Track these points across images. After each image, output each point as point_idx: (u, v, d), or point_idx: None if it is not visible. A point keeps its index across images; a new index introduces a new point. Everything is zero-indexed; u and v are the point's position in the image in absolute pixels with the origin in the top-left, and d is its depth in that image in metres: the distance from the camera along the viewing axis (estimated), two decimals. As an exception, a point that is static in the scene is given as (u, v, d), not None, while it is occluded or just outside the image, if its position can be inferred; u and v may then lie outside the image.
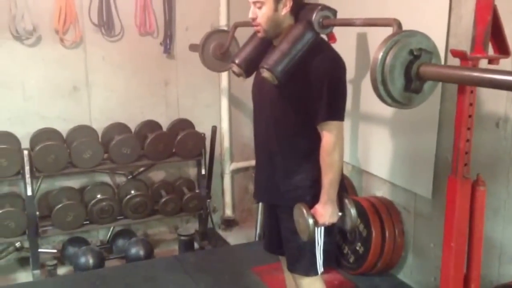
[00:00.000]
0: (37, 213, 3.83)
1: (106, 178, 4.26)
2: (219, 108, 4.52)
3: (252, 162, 4.63)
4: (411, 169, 3.24)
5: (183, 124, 4.25)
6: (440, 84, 2.88)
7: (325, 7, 2.23)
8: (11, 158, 3.65)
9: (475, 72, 1.55)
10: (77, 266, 3.79)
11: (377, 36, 3.31)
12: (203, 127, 4.31)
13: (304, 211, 2.17)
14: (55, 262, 3.84)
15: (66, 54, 3.96)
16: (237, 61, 2.41)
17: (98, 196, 4.00)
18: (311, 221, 2.14)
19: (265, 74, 2.15)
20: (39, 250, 3.87)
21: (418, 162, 3.15)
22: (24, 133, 3.86)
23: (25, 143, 3.84)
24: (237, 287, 3.37)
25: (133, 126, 4.14)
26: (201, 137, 4.22)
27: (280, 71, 2.12)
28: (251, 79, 2.48)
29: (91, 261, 3.77)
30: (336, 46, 3.23)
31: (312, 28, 2.18)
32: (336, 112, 2.17)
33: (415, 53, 1.69)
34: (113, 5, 3.98)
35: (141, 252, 3.92)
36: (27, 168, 3.68)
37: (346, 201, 2.28)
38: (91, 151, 3.81)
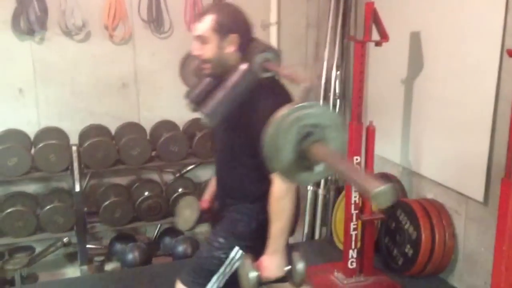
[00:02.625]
0: (85, 209, 3.86)
1: (154, 176, 4.28)
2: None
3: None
4: (463, 171, 3.16)
5: (232, 123, 4.23)
6: (495, 82, 2.80)
7: (267, 48, 2.04)
8: (60, 153, 3.68)
9: (353, 173, 1.34)
10: (124, 263, 3.82)
11: (432, 35, 3.28)
12: (253, 126, 4.28)
13: (247, 261, 1.95)
14: (102, 258, 3.87)
15: (115, 50, 3.98)
16: (189, 99, 2.24)
17: (146, 193, 4.01)
18: (253, 274, 1.91)
19: (203, 118, 2.02)
20: (87, 245, 3.91)
21: (470, 165, 3.08)
22: (73, 129, 3.90)
23: (74, 139, 3.88)
24: (285, 288, 3.33)
25: (181, 124, 4.14)
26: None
27: (215, 118, 1.99)
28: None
29: (138, 257, 3.79)
30: (387, 45, 3.21)
31: (252, 72, 1.99)
32: None
33: (307, 129, 1.40)
34: (163, 1, 3.98)
35: (188, 250, 3.91)
36: (75, 164, 3.70)
37: (295, 253, 2.03)
38: (139, 148, 3.82)
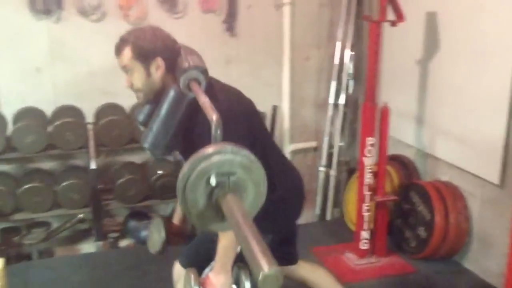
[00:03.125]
0: (100, 186, 3.91)
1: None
2: (280, 88, 4.48)
3: (313, 144, 4.65)
4: (478, 153, 3.14)
5: (244, 103, 4.23)
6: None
7: (191, 67, 1.87)
8: (76, 131, 3.74)
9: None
10: (139, 239, 3.89)
11: (448, 15, 3.24)
12: (263, 106, 4.27)
13: (192, 277, 1.80)
14: (117, 234, 3.95)
15: (130, 30, 3.99)
16: (139, 122, 2.14)
17: (160, 172, 4.04)
18: None
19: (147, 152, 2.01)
20: (102, 222, 3.96)
21: (486, 147, 3.06)
22: (88, 108, 3.94)
23: (89, 118, 3.93)
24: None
25: (195, 103, 4.15)
26: (262, 116, 4.19)
27: (158, 150, 1.97)
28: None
29: (152, 235, 3.84)
30: (403, 25, 3.17)
31: (182, 93, 1.89)
32: None
33: (217, 179, 1.22)
34: (177, -19, 3.97)
35: (201, 229, 3.96)
36: (91, 142, 3.76)
37: (242, 272, 1.85)
38: (153, 127, 3.85)
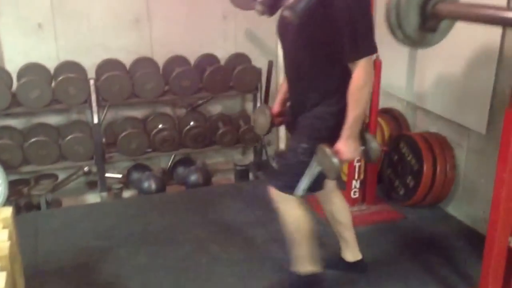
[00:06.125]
0: (103, 140, 4.06)
1: (167, 109, 4.45)
2: (275, 43, 4.54)
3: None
4: (466, 104, 3.21)
5: (240, 58, 4.34)
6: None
7: None
8: (78, 87, 3.85)
9: (490, 10, 1.49)
10: (141, 190, 4.05)
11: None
12: (259, 61, 4.38)
13: (327, 150, 2.14)
14: (120, 185, 4.11)
15: (129, -14, 4.06)
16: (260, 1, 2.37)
17: (160, 126, 4.19)
18: (335, 160, 2.11)
19: (286, 13, 2.12)
20: (106, 174, 4.13)
21: (474, 97, 3.13)
22: (90, 64, 4.05)
23: (91, 73, 4.03)
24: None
25: (192, 58, 4.26)
26: (258, 71, 4.30)
27: (300, 10, 2.07)
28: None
29: (153, 186, 4.01)
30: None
31: None
32: (366, 48, 2.10)
33: None
34: None
35: (200, 179, 4.12)
36: (93, 96, 3.88)
37: (367, 135, 2.32)
38: (152, 82, 3.97)
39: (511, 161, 2.21)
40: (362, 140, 2.30)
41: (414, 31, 1.59)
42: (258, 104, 4.42)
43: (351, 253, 2.76)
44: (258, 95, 4.39)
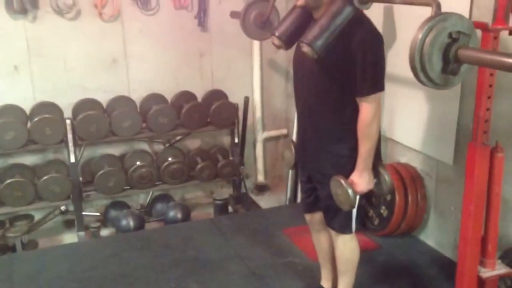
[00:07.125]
0: (81, 178, 4.05)
1: (145, 146, 4.48)
2: (251, 80, 4.66)
3: (283, 131, 4.87)
4: (434, 136, 3.33)
5: (217, 95, 4.41)
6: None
7: None
8: (55, 127, 3.86)
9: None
10: (119, 228, 4.03)
11: (402, 7, 3.40)
12: (236, 97, 4.46)
13: (343, 182, 2.25)
14: (98, 224, 4.08)
15: (105, 28, 4.13)
16: (277, 34, 2.44)
17: (138, 163, 4.21)
18: (350, 191, 2.23)
19: (305, 49, 2.18)
20: (83, 213, 4.11)
21: (441, 130, 3.24)
22: (66, 104, 4.07)
23: (67, 113, 4.05)
24: (269, 247, 3.52)
25: (169, 96, 4.32)
26: (234, 107, 4.38)
27: (319, 46, 2.13)
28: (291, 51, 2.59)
29: (132, 223, 4.00)
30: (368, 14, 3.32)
31: (352, 2, 2.15)
32: (376, 85, 2.22)
33: (453, 36, 1.66)
34: (149, -21, 4.11)
35: (179, 215, 4.13)
36: (70, 136, 3.88)
37: (380, 168, 2.39)
38: (130, 120, 4.01)
39: (476, 194, 2.31)
40: (375, 172, 2.38)
41: (436, 74, 1.66)
42: (236, 139, 4.49)
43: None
44: (236, 130, 4.46)
